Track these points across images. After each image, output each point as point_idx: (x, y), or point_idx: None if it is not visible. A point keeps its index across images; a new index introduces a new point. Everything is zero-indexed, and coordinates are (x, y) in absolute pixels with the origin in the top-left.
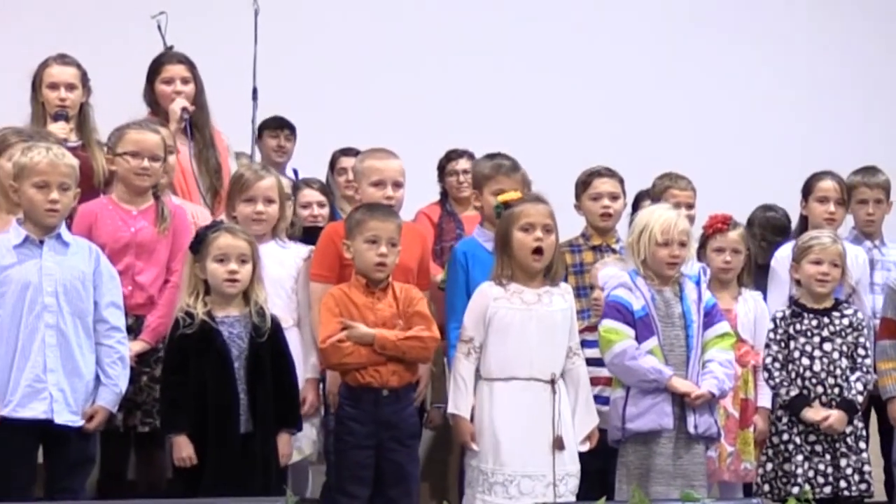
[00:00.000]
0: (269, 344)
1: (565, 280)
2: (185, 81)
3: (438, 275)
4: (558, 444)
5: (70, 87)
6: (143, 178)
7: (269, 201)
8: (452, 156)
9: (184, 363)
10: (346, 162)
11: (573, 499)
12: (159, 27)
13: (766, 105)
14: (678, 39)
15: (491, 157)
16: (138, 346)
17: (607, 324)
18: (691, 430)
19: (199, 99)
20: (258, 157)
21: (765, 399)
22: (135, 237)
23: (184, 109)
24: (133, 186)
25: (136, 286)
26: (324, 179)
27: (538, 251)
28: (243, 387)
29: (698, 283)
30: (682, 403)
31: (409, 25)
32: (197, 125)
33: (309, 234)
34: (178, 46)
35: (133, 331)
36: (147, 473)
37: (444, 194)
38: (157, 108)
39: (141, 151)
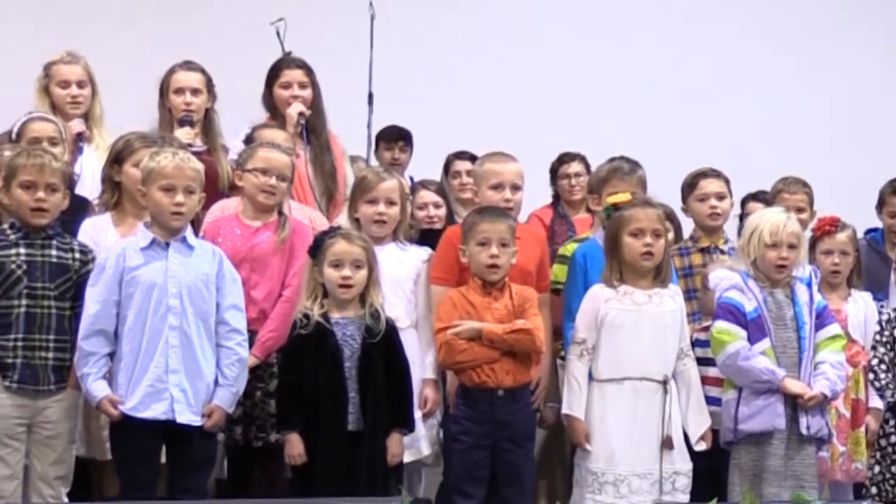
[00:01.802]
0: (382, 345)
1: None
2: (302, 86)
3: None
4: (668, 444)
5: (195, 92)
6: (269, 196)
7: (391, 203)
8: (565, 159)
9: (299, 363)
10: (460, 165)
11: (685, 498)
12: (278, 33)
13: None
14: (788, 42)
15: (611, 160)
16: (251, 360)
17: (720, 325)
18: (803, 430)
19: (316, 103)
20: (374, 163)
21: (876, 399)
22: (251, 251)
23: (300, 114)
24: (258, 203)
25: (250, 300)
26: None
27: (647, 256)
28: (354, 386)
29: (809, 286)
30: (794, 405)
31: (522, 30)
32: (314, 129)
33: (426, 236)
34: (295, 52)
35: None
36: (266, 484)
37: (557, 197)
38: (275, 112)
39: (270, 169)
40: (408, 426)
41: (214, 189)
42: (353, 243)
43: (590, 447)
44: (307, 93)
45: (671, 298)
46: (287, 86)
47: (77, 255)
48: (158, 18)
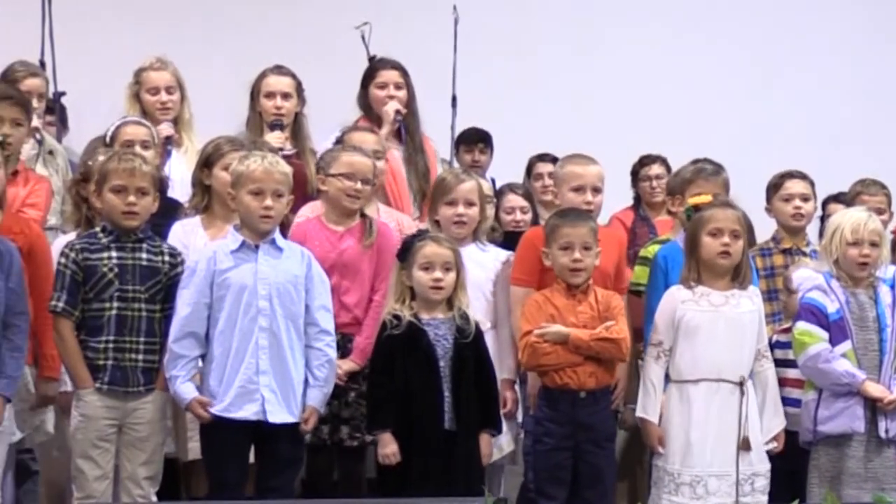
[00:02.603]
0: (472, 346)
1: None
2: (398, 87)
3: (629, 278)
4: (745, 445)
5: (286, 96)
6: (354, 201)
7: (470, 204)
8: (646, 161)
9: (390, 363)
10: (543, 167)
11: (764, 499)
12: (363, 37)
13: None
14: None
15: (694, 161)
16: (347, 365)
17: (802, 326)
18: (882, 434)
19: (410, 105)
20: (455, 164)
21: None
22: (340, 257)
23: (397, 112)
24: (342, 207)
25: (342, 306)
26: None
27: (724, 255)
28: (448, 386)
29: (893, 287)
30: (873, 407)
31: (605, 32)
32: (408, 130)
33: (510, 238)
34: (380, 55)
35: (339, 348)
36: (347, 486)
37: (638, 199)
38: (370, 112)
39: (355, 174)
40: (497, 427)
41: (303, 192)
42: (442, 245)
43: (662, 450)
44: (402, 93)
45: (749, 299)
46: (383, 86)
47: (167, 259)
48: (247, 23)
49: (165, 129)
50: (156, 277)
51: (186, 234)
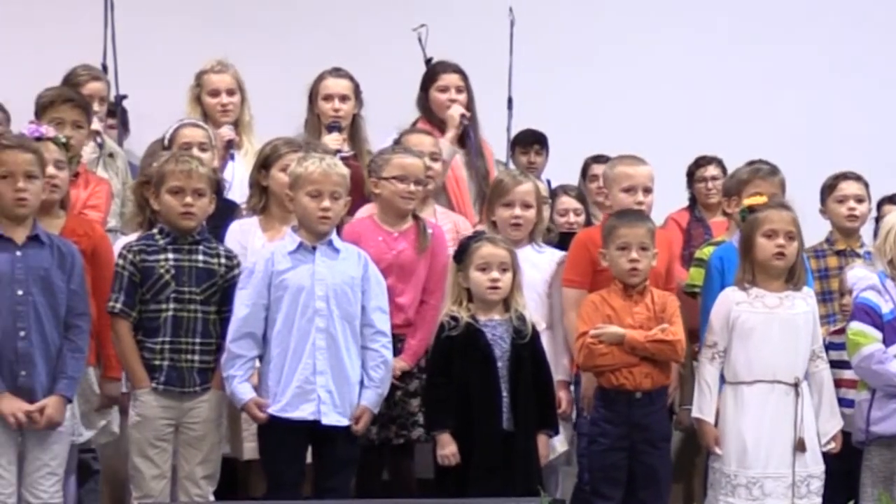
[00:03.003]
0: (529, 346)
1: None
2: (458, 90)
3: (685, 279)
4: (800, 447)
5: (344, 98)
6: (408, 202)
7: (527, 206)
8: (701, 162)
9: (448, 364)
10: (598, 169)
11: (818, 501)
12: (420, 39)
13: None
14: None
15: (750, 163)
16: (399, 364)
17: (856, 326)
18: None
19: (470, 107)
20: (511, 167)
21: None
22: (396, 259)
23: (462, 115)
24: (396, 209)
25: (396, 307)
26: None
27: (779, 256)
28: (506, 386)
29: None
30: None
31: (659, 33)
32: (468, 133)
33: (565, 240)
34: (437, 58)
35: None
36: (397, 484)
37: (693, 200)
38: (430, 115)
39: (407, 176)
40: (554, 427)
41: (360, 194)
42: (499, 246)
43: (719, 450)
44: (463, 97)
45: (803, 301)
46: (444, 89)
47: (223, 261)
48: (305, 26)
49: (226, 132)
50: (211, 279)
51: (244, 234)
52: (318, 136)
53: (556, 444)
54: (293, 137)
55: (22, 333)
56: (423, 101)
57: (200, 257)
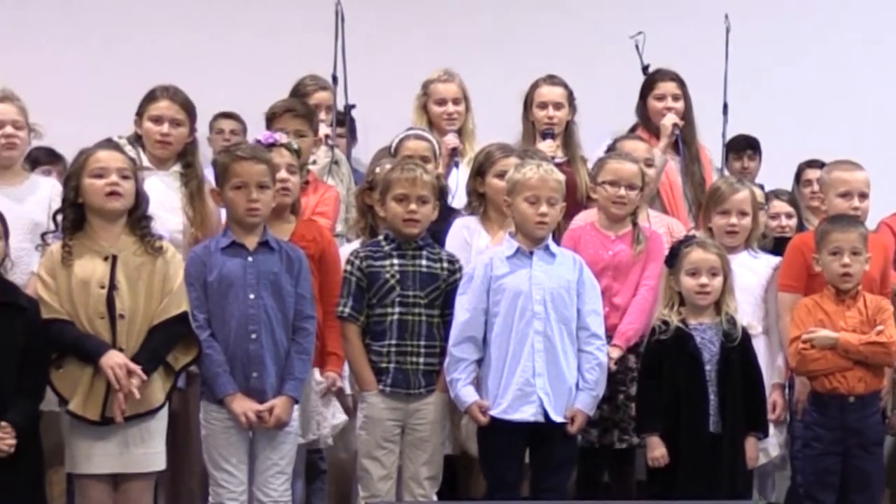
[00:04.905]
0: (739, 350)
1: None
2: (675, 98)
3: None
4: None
5: (557, 105)
6: (620, 207)
7: (743, 214)
8: None
9: (658, 368)
10: (812, 174)
11: None
12: (637, 47)
13: None
14: None
15: None
16: (615, 352)
17: None
18: None
19: (688, 115)
20: (726, 172)
21: None
22: (612, 260)
23: (675, 125)
24: (610, 213)
25: (613, 307)
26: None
27: None
28: (714, 388)
29: None
30: None
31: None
32: (685, 140)
33: (778, 244)
34: (654, 65)
35: None
36: (617, 488)
37: None
38: (647, 122)
39: (619, 181)
40: (763, 430)
41: (574, 199)
42: (709, 251)
43: None
44: (680, 104)
45: None
46: (661, 97)
47: (445, 265)
48: (521, 35)
49: (451, 140)
50: (435, 283)
51: (469, 232)
52: (532, 143)
53: (770, 448)
54: (507, 143)
55: (253, 336)
56: (642, 109)
57: (424, 262)
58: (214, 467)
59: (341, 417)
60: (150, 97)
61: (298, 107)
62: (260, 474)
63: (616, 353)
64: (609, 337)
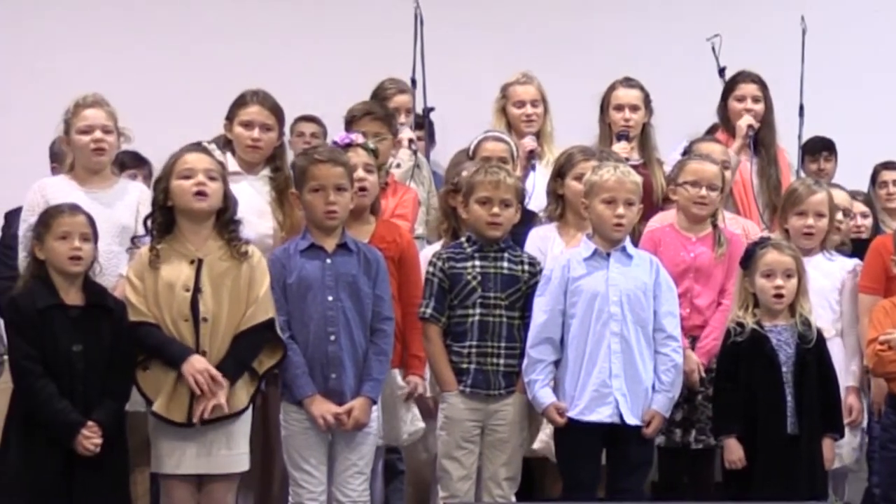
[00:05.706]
0: (815, 351)
1: None
2: (755, 100)
3: None
4: None
5: (634, 108)
6: (701, 207)
7: (820, 216)
8: None
9: (735, 369)
10: (887, 175)
11: None
12: (713, 49)
13: None
14: None
15: None
16: (697, 366)
17: None
18: None
19: (767, 117)
20: (802, 174)
21: None
22: (693, 262)
23: (749, 126)
24: (691, 214)
25: (694, 308)
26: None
27: None
28: (790, 390)
29: None
30: None
31: None
32: (763, 142)
33: (854, 246)
34: (730, 67)
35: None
36: (696, 488)
37: None
38: (727, 124)
39: (700, 181)
40: (839, 432)
41: (650, 201)
42: (784, 253)
43: None
44: (759, 106)
45: None
46: (741, 99)
47: (526, 267)
48: (598, 37)
49: (529, 142)
50: (516, 285)
51: (543, 241)
52: (608, 145)
53: (846, 450)
54: (588, 146)
55: (332, 338)
56: (722, 110)
57: (505, 264)
58: (294, 468)
59: (419, 425)
60: (240, 102)
61: (377, 109)
62: (339, 475)
63: (697, 360)
64: (693, 338)
